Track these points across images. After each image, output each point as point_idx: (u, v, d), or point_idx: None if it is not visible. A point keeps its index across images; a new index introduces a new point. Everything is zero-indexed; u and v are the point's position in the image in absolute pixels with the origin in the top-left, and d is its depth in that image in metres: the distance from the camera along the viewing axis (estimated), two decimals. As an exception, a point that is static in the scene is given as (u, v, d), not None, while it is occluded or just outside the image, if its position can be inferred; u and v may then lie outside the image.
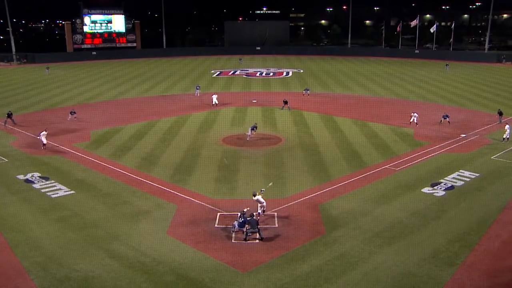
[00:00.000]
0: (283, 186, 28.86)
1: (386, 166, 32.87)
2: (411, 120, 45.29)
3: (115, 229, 23.52)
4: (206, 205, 26.20)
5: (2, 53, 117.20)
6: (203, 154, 36.06)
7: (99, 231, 23.34)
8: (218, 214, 24.95)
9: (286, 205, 26.09)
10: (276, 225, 23.74)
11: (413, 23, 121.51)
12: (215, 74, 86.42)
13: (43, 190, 28.83)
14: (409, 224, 23.85)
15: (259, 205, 24.47)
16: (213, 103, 54.66)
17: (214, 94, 56.73)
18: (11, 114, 47.27)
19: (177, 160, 34.60)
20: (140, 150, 37.51)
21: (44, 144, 37.82)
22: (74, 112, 48.88)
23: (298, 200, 26.80)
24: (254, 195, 24.59)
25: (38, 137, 38.83)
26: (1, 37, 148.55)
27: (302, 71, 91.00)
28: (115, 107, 56.14)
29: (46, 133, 38.44)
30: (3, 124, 46.19)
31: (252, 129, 39.91)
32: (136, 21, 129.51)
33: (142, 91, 67.46)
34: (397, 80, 77.41)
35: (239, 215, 22.81)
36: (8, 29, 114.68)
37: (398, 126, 44.83)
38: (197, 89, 62.12)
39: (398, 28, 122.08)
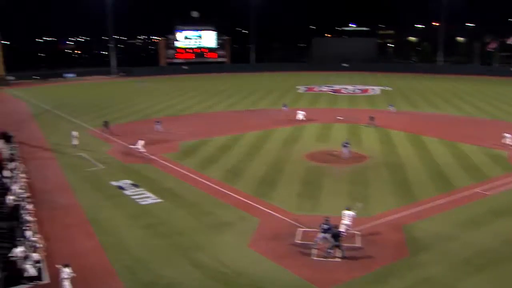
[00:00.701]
0: (367, 205, 28.15)
1: (476, 190, 31.08)
2: (505, 142, 42.61)
3: (199, 238, 24.06)
4: (288, 220, 26.14)
5: (104, 67, 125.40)
6: (287, 169, 36.11)
7: (184, 239, 24.00)
8: (300, 229, 24.79)
9: (370, 224, 25.42)
10: (359, 244, 23.18)
11: (510, 40, 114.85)
12: (301, 90, 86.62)
13: (133, 197, 30.21)
14: (501, 252, 22.33)
15: (342, 223, 23.90)
16: (299, 118, 54.67)
17: (301, 110, 56.69)
18: (108, 123, 50.26)
19: (261, 173, 34.91)
20: (226, 162, 38.29)
21: (141, 152, 40.05)
22: (159, 122, 51.30)
23: (382, 220, 26.03)
24: (348, 209, 24.15)
25: (133, 146, 41.14)
26: (104, 53, 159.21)
27: (389, 88, 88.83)
28: (203, 120, 58.05)
29: (143, 142, 40.54)
30: (101, 132, 49.29)
31: (345, 146, 39.15)
32: (226, 37, 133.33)
33: (230, 105, 69.04)
34: (490, 100, 73.32)
35: (323, 223, 22.47)
36: (109, 45, 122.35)
37: (490, 148, 42.36)
38: (284, 107, 62.24)
39: (490, 45, 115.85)
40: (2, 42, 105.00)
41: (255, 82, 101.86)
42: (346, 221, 23.95)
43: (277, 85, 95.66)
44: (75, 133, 44.60)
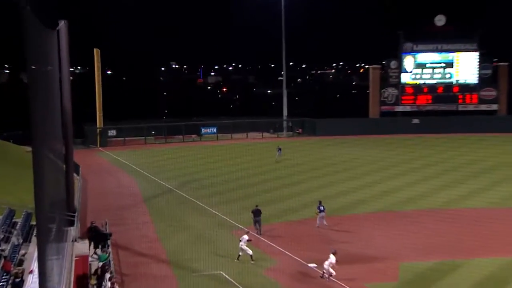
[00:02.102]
0: None
1: None
2: None
3: None
4: None
5: (268, 118, 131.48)
6: None
7: None
8: None
9: None
10: None
11: None
12: None
13: None
14: None
15: None
16: None
17: None
18: (260, 214, 52.86)
19: None
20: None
21: (330, 275, 41.03)
22: (322, 209, 53.94)
23: None
24: None
25: (313, 265, 42.11)
26: (269, 91, 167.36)
27: None
28: (445, 222, 57.16)
29: (335, 258, 41.22)
30: (255, 233, 51.72)
31: None
32: (501, 64, 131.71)
33: (502, 199, 67.16)
34: None
35: None
36: (280, 77, 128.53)
37: None
38: None
39: None
40: (103, 72, 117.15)
41: None
42: None
43: None
44: (246, 238, 46.46)
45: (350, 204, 62.81)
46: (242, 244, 45.68)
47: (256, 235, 51.30)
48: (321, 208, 54.57)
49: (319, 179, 77.70)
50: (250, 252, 45.36)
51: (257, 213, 52.84)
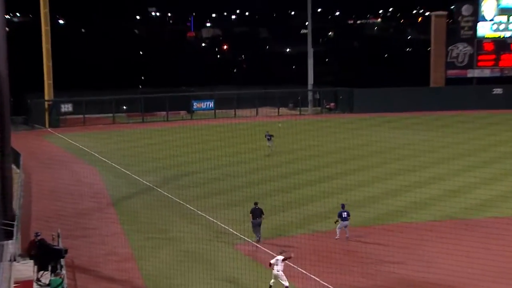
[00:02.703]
0: None
1: None
2: None
3: None
4: None
5: (286, 88, 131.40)
6: None
7: None
8: None
9: None
10: None
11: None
12: None
13: None
14: None
15: None
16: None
17: None
18: (261, 214, 53.93)
19: None
20: None
21: None
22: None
23: None
24: None
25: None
26: (288, 50, 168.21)
27: None
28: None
29: None
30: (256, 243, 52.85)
31: None
32: None
33: None
34: None
35: None
36: (304, 30, 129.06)
37: None
38: None
39: None
40: (53, 21, 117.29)
41: None
42: None
43: None
44: (281, 259, 46.28)
45: (402, 209, 63.15)
46: (278, 269, 44.61)
47: (256, 244, 52.55)
48: (344, 214, 54.88)
49: (357, 174, 78.07)
50: (286, 283, 44.24)
51: (257, 213, 53.77)
